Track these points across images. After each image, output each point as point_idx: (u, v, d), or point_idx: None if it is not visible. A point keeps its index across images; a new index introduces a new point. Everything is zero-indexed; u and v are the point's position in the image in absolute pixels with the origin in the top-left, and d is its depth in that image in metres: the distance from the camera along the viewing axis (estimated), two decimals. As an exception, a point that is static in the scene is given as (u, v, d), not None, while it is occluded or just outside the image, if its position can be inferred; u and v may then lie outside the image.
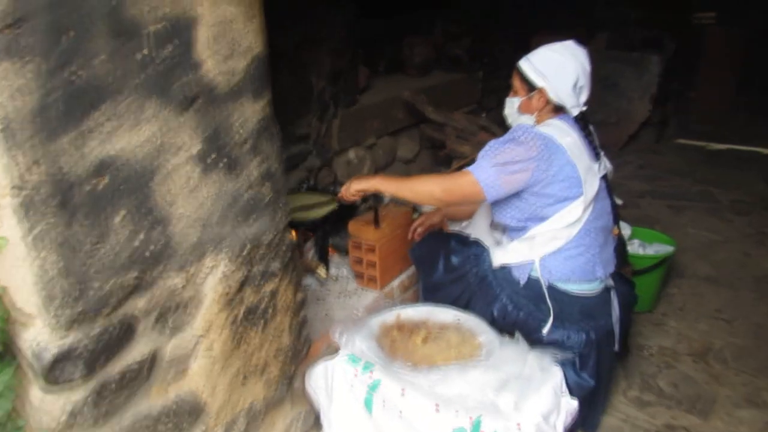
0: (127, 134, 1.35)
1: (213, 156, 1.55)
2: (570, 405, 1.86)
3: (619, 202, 3.25)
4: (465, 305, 2.15)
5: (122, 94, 1.32)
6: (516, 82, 2.03)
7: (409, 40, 4.41)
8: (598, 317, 2.03)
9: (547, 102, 1.96)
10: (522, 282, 2.01)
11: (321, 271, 2.51)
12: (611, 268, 2.05)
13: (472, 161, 3.52)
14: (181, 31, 1.40)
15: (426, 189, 1.94)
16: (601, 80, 5.06)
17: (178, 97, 1.43)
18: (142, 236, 1.44)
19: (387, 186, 2.04)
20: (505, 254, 2.06)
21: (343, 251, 2.69)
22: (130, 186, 1.39)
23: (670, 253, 2.84)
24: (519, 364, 1.86)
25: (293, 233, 2.62)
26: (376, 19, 3.99)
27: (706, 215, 4.03)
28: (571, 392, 1.90)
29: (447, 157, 3.82)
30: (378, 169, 3.93)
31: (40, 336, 1.33)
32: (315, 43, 3.27)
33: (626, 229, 2.83)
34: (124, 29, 1.29)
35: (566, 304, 1.98)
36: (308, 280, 2.57)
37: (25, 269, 1.28)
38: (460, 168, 3.59)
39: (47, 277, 1.29)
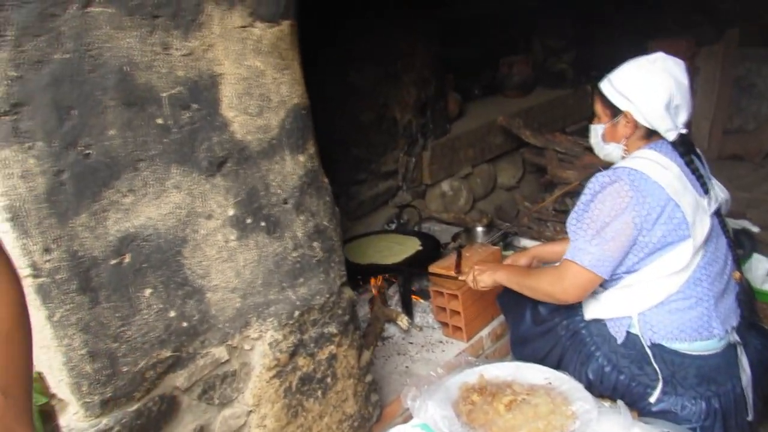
0: (150, 206, 1.28)
1: (249, 220, 1.45)
2: (689, 492, 1.53)
3: (754, 229, 2.78)
4: (557, 363, 1.87)
5: (141, 165, 1.26)
6: (598, 107, 1.75)
7: (506, 59, 4.17)
8: (723, 381, 1.66)
9: (636, 127, 1.67)
10: (619, 339, 1.70)
11: (402, 321, 2.34)
12: (733, 322, 1.69)
13: (579, 187, 3.24)
14: (201, 92, 1.32)
15: (542, 290, 1.76)
16: (736, 82, 4.47)
17: (204, 162, 1.35)
18: (174, 312, 1.36)
19: (509, 281, 1.91)
20: (597, 306, 1.77)
21: (427, 297, 2.50)
22: (157, 260, 1.31)
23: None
24: (620, 439, 1.56)
25: (380, 281, 2.49)
26: (467, 43, 3.80)
27: None
28: (692, 475, 1.56)
29: (550, 184, 3.51)
30: (477, 200, 3.71)
31: (72, 422, 1.28)
32: (396, 77, 3.15)
33: (764, 263, 2.37)
34: (136, 98, 1.23)
35: (678, 367, 1.65)
36: (391, 330, 2.41)
37: (52, 354, 1.24)
38: (564, 195, 3.28)
39: (74, 362, 1.24)
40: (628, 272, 1.65)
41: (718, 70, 4.30)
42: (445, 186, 3.52)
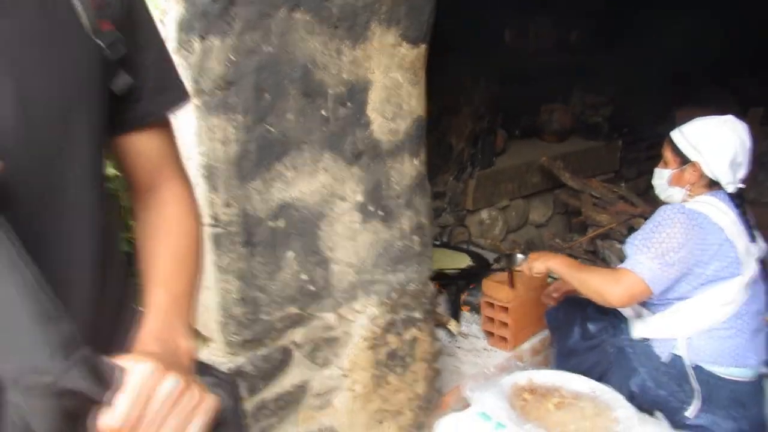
0: (304, 182, 1.52)
1: (372, 207, 1.69)
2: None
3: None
4: (600, 376, 2.09)
5: (304, 146, 1.50)
6: (667, 154, 2.01)
7: (547, 106, 4.46)
8: (751, 406, 1.90)
9: (701, 176, 1.92)
10: (664, 359, 1.93)
11: (452, 325, 2.56)
12: (764, 356, 1.93)
13: (610, 231, 3.50)
14: (356, 93, 1.57)
15: (592, 287, 1.92)
16: (756, 158, 4.78)
17: (348, 152, 1.60)
18: (305, 275, 1.58)
19: (560, 270, 2.07)
20: (646, 327, 2.00)
21: (474, 309, 2.72)
22: (302, 228, 1.55)
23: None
24: (660, 444, 1.78)
25: (436, 286, 2.71)
26: (516, 86, 4.09)
27: None
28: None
29: (582, 225, 3.77)
30: (509, 231, 3.96)
31: (213, 356, 1.50)
32: (458, 109, 3.43)
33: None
34: (311, 90, 1.48)
35: (714, 388, 1.88)
36: (439, 334, 2.62)
37: (211, 294, 1.46)
38: (596, 237, 3.54)
39: (227, 304, 1.46)
40: (680, 299, 1.89)
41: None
42: (484, 214, 3.77)
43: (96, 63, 0.70)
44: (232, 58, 1.33)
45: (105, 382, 0.58)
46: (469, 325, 2.72)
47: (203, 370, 0.77)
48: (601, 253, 3.45)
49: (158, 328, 0.75)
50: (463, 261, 2.87)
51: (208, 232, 1.40)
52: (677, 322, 1.93)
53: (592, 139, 4.56)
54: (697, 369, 1.90)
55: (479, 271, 2.79)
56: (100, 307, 0.74)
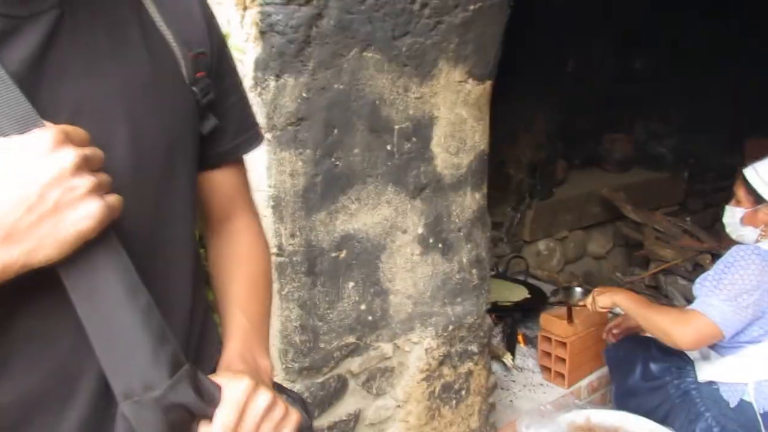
0: (367, 215, 1.56)
1: (431, 239, 1.71)
2: None
3: None
4: (662, 419, 2.02)
5: (369, 180, 1.54)
6: (740, 192, 1.95)
7: (609, 135, 4.39)
8: (825, 458, 1.80)
9: (775, 216, 1.86)
10: (732, 404, 1.86)
11: (507, 359, 2.53)
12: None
13: (674, 267, 3.39)
14: (421, 129, 1.61)
15: (660, 326, 1.87)
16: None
17: (411, 185, 1.62)
18: (365, 305, 1.61)
19: (627, 305, 2.03)
20: (713, 370, 1.93)
21: (531, 342, 2.69)
22: (363, 259, 1.58)
23: None
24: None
25: (492, 318, 2.70)
26: (578, 115, 4.05)
27: None
28: None
29: (644, 259, 3.67)
30: (567, 263, 3.89)
31: (273, 381, 1.53)
32: (516, 138, 3.42)
33: None
34: (378, 126, 1.52)
35: (786, 437, 1.79)
36: (493, 367, 2.60)
37: (272, 321, 1.50)
38: (659, 272, 3.44)
39: (288, 331, 1.50)
40: (751, 342, 1.82)
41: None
42: (542, 245, 3.73)
43: (192, 107, 0.76)
44: (305, 95, 1.39)
45: (206, 397, 0.64)
46: (525, 358, 2.68)
47: (278, 388, 0.83)
48: (665, 289, 3.35)
49: (241, 348, 0.80)
50: (520, 292, 2.84)
51: (273, 261, 1.45)
52: (747, 366, 1.86)
53: (655, 169, 4.46)
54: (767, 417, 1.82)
55: (536, 303, 2.75)
56: (192, 326, 0.80)
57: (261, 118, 1.37)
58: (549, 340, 2.49)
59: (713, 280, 1.83)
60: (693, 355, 2.08)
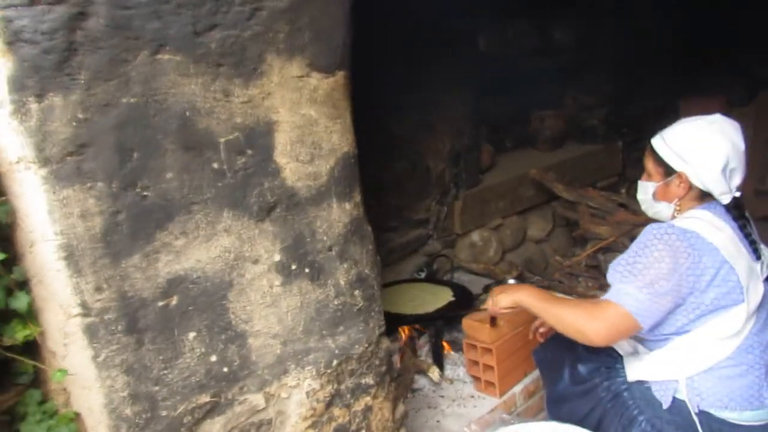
0: (199, 250, 1.29)
1: (294, 266, 1.45)
2: None
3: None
4: (596, 425, 1.81)
5: (194, 208, 1.27)
6: (649, 164, 1.73)
7: (538, 114, 4.19)
8: (772, 454, 1.60)
9: (690, 188, 1.65)
10: (665, 404, 1.65)
11: (433, 373, 2.30)
12: (787, 392, 1.63)
13: (612, 244, 3.20)
14: (257, 138, 1.34)
15: (570, 323, 1.61)
16: (767, 144, 4.44)
17: (254, 207, 1.36)
18: (215, 356, 1.34)
19: (532, 304, 1.76)
20: (642, 368, 1.72)
21: (461, 349, 2.45)
22: (203, 303, 1.31)
23: None
24: None
25: (406, 331, 2.45)
26: (499, 95, 3.84)
27: None
28: None
29: (582, 238, 3.48)
30: (506, 251, 3.68)
31: (108, 465, 1.26)
32: (432, 127, 3.19)
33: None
34: (195, 142, 1.25)
35: (727, 437, 1.59)
36: (421, 382, 2.36)
37: (94, 394, 1.23)
38: (597, 251, 3.24)
39: (114, 404, 1.23)
40: (677, 334, 1.61)
41: (749, 132, 4.28)
42: (475, 236, 3.50)
43: None
44: (81, 116, 1.11)
45: None
46: (456, 367, 2.45)
47: None
48: (605, 268, 3.16)
49: None
50: (445, 295, 2.60)
51: (78, 323, 1.17)
52: (676, 361, 1.65)
53: (589, 143, 4.28)
54: (704, 415, 1.61)
55: (455, 310, 2.50)
56: None
57: (29, 151, 1.10)
58: (474, 347, 2.26)
59: (627, 264, 1.60)
60: (623, 349, 1.86)
